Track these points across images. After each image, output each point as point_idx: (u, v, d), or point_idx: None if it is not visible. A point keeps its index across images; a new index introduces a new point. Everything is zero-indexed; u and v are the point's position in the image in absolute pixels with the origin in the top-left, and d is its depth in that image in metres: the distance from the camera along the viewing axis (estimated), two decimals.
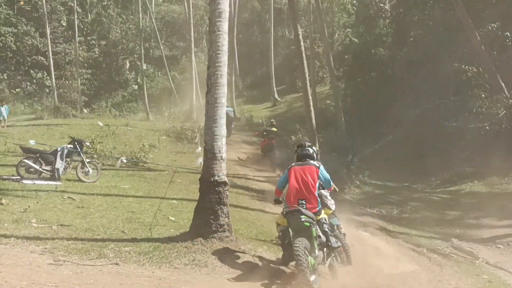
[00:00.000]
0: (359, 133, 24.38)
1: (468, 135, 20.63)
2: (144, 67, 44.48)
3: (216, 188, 7.51)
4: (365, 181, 19.11)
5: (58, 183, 12.00)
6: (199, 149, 15.23)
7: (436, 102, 23.08)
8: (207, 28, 38.60)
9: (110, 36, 53.40)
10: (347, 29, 38.16)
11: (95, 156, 15.58)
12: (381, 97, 26.02)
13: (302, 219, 6.38)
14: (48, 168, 12.40)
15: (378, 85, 27.48)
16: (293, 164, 7.23)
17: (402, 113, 23.38)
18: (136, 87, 50.51)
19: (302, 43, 18.49)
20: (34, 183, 11.68)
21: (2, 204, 9.20)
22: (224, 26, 7.50)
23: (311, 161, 7.18)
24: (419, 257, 10.53)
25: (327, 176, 7.12)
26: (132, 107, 46.99)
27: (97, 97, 49.64)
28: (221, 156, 7.62)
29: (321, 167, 7.10)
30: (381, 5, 34.19)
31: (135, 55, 51.42)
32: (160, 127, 25.56)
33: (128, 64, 52.74)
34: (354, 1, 37.47)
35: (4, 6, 50.52)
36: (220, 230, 7.43)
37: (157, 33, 47.31)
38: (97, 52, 52.81)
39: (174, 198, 12.08)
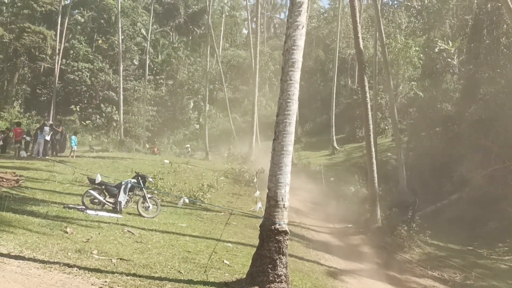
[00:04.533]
0: (421, 189, 23.44)
1: None
2: (207, 107, 45.79)
3: (277, 237, 7.39)
4: (426, 241, 18.19)
5: (119, 216, 12.30)
6: (257, 193, 15.18)
7: (506, 164, 21.94)
8: (271, 74, 39.43)
9: (178, 77, 55.75)
10: (412, 82, 37.67)
11: (155, 192, 15.93)
12: (446, 154, 25.09)
13: None
14: (111, 200, 12.79)
15: (443, 141, 26.57)
16: None
17: (469, 173, 22.36)
18: (197, 126, 51.96)
19: (367, 95, 18.39)
20: (97, 214, 12.02)
21: (67, 232, 9.50)
22: (297, 75, 7.59)
23: None
24: None
25: None
26: (192, 146, 48.11)
27: (160, 133, 51.39)
28: (284, 204, 7.53)
29: None
30: (449, 60, 33.63)
31: (199, 96, 53.19)
32: (219, 168, 25.89)
33: (192, 104, 54.55)
34: (421, 55, 37.11)
35: (84, 44, 54.36)
36: (277, 280, 7.24)
37: (222, 76, 48.84)
38: (164, 90, 55.19)
39: (229, 241, 12.02)
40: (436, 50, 33.35)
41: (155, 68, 56.71)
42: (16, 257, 7.16)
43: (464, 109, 27.17)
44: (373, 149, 19.18)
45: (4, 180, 14.91)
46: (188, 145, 44.42)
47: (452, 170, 23.51)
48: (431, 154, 26.56)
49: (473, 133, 24.15)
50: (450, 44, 32.83)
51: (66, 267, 7.12)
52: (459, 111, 27.67)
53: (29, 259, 7.18)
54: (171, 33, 63.45)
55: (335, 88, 40.95)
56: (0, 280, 5.83)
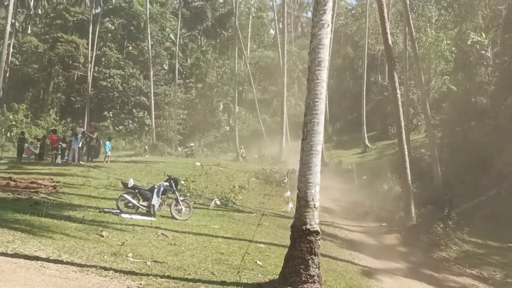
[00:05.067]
0: (457, 185, 22.90)
1: None
2: (237, 109, 46.02)
3: (308, 237, 7.36)
4: (464, 238, 17.72)
5: (153, 219, 12.51)
6: (288, 193, 15.22)
7: None
8: (299, 73, 39.30)
9: (207, 79, 56.26)
10: (445, 76, 36.80)
11: (187, 194, 16.11)
12: (482, 149, 24.38)
13: None
14: (145, 204, 13.02)
15: (479, 136, 25.82)
16: None
17: (507, 167, 21.66)
18: (228, 128, 52.27)
19: (398, 91, 18.10)
20: (132, 218, 12.25)
21: (103, 236, 9.72)
22: (323, 74, 7.55)
23: None
24: None
25: None
26: (223, 147, 48.46)
27: (191, 136, 51.98)
28: (314, 205, 7.49)
29: None
30: (483, 52, 32.67)
31: (229, 98, 53.49)
32: (250, 169, 25.98)
33: (221, 106, 54.94)
34: (453, 48, 36.22)
35: (115, 51, 55.56)
36: (310, 281, 7.21)
37: (251, 77, 49.01)
38: (194, 94, 55.81)
39: (261, 241, 12.04)
40: (469, 42, 32.42)
41: (184, 72, 57.41)
42: (55, 261, 7.37)
43: (500, 101, 26.35)
44: (406, 146, 18.84)
45: (42, 186, 15.41)
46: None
47: (489, 165, 22.83)
48: (466, 149, 25.89)
49: (510, 126, 23.38)
50: (483, 36, 31.87)
51: (103, 270, 7.28)
52: (494, 104, 26.86)
53: (67, 263, 7.37)
54: (199, 37, 64.11)
55: (365, 85, 40.49)
56: (40, 283, 6.02)
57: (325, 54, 7.56)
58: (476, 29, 34.10)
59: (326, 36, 7.50)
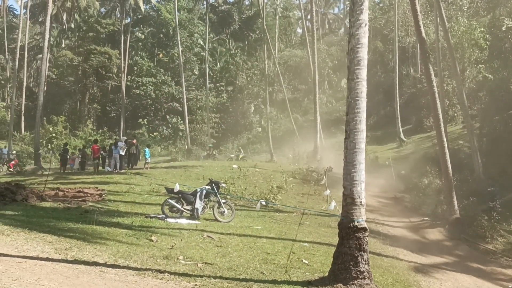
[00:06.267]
0: (499, 176, 22.40)
1: None
2: (268, 110, 46.22)
3: (356, 234, 7.45)
4: (510, 229, 17.34)
5: (197, 222, 12.80)
6: (328, 191, 15.24)
7: None
8: (329, 70, 39.10)
9: (237, 82, 56.70)
10: (480, 65, 35.94)
11: (228, 196, 16.37)
12: None
13: None
14: (188, 207, 13.33)
15: None
16: None
17: None
18: (260, 129, 52.54)
19: (434, 84, 17.88)
20: (177, 222, 12.57)
21: (152, 240, 10.06)
22: (363, 73, 7.63)
23: None
24: None
25: None
26: (256, 149, 48.71)
27: (224, 139, 52.49)
28: (361, 202, 7.59)
29: None
30: None
31: (260, 99, 53.77)
32: (286, 169, 26.09)
33: (253, 108, 55.26)
34: (487, 36, 35.34)
35: (146, 59, 56.72)
36: (360, 277, 7.30)
37: (280, 77, 49.09)
38: (225, 97, 56.34)
39: (305, 240, 12.15)
40: (503, 28, 31.62)
41: (214, 76, 58.05)
42: (112, 266, 7.72)
43: None
44: (444, 138, 18.59)
45: (89, 195, 15.96)
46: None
47: None
48: (506, 139, 25.27)
49: None
50: None
51: (158, 272, 7.58)
52: None
53: (123, 267, 7.72)
54: (227, 40, 64.70)
55: (397, 78, 39.99)
56: (103, 287, 6.34)
57: (364, 53, 7.64)
58: (510, 14, 33.20)
59: (364, 35, 7.58)
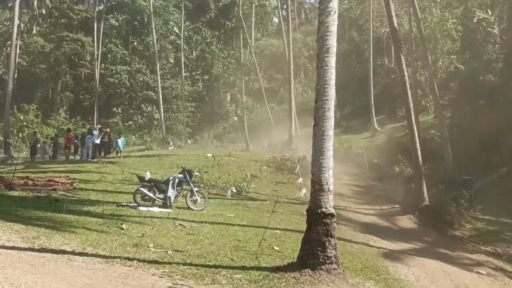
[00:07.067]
0: (468, 164, 22.96)
1: None
2: (244, 99, 46.16)
3: (324, 220, 7.54)
4: (477, 216, 17.83)
5: (169, 210, 12.77)
6: (301, 179, 15.32)
7: None
8: (305, 60, 39.20)
9: (213, 71, 56.34)
10: (452, 56, 36.61)
11: (201, 185, 16.36)
12: (492, 127, 24.36)
13: None
14: (161, 196, 13.28)
15: (488, 114, 25.79)
16: None
17: None
18: (236, 118, 52.46)
19: (405, 73, 18.13)
20: (149, 210, 12.53)
21: (123, 229, 10.00)
22: (332, 61, 7.68)
23: None
24: None
25: None
26: (232, 138, 48.66)
27: (200, 128, 52.23)
28: (329, 188, 7.67)
29: None
30: (489, 29, 32.40)
31: (236, 88, 53.61)
32: (261, 158, 26.16)
33: (229, 97, 55.09)
34: (459, 27, 35.95)
35: (120, 47, 55.78)
36: (327, 262, 7.41)
37: (257, 66, 49.00)
38: (200, 86, 55.96)
39: (277, 228, 12.25)
40: (475, 20, 32.18)
41: (190, 65, 57.52)
42: (80, 254, 7.65)
43: (509, 78, 26.25)
44: (415, 127, 18.93)
45: (59, 184, 15.73)
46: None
47: (500, 143, 22.88)
48: (476, 128, 25.87)
49: None
50: (490, 13, 31.59)
51: (127, 260, 7.55)
52: (503, 82, 26.75)
53: (92, 255, 7.66)
54: (203, 29, 64.12)
55: (371, 68, 40.40)
56: (69, 275, 6.28)
57: (333, 41, 7.68)
58: (482, 6, 33.82)
59: (333, 23, 7.61)
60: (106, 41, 57.07)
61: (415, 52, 33.25)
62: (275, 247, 9.95)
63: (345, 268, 8.62)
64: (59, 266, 6.76)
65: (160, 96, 46.67)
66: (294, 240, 10.62)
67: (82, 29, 56.87)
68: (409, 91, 18.63)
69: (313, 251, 7.49)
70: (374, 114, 38.72)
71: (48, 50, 52.90)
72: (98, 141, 24.56)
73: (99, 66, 52.61)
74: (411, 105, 18.91)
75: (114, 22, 60.57)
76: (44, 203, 11.99)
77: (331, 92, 7.68)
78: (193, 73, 57.19)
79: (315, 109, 7.81)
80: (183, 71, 50.90)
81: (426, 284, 9.45)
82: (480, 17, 31.94)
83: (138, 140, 47.69)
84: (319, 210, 7.57)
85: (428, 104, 37.74)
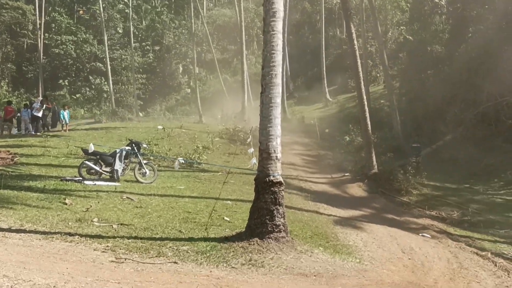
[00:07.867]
0: (415, 133, 23.63)
1: None
2: (197, 70, 45.36)
3: (272, 188, 7.48)
4: (423, 182, 18.42)
5: (117, 184, 12.38)
6: (252, 149, 15.24)
7: (498, 100, 22.00)
8: (258, 31, 38.69)
9: (164, 42, 54.88)
10: (401, 27, 37.24)
11: (151, 157, 15.97)
12: (438, 96, 25.07)
13: None
14: (107, 169, 12.83)
15: (435, 84, 26.49)
16: None
17: (462, 112, 22.43)
18: (189, 90, 51.65)
19: (355, 43, 18.19)
20: (95, 184, 12.09)
21: (66, 204, 9.59)
22: (279, 25, 7.46)
23: None
24: (484, 261, 9.99)
25: None
26: (185, 110, 47.98)
27: (152, 101, 51.11)
28: (276, 156, 7.58)
29: None
30: (437, 0, 33.02)
31: (188, 59, 52.55)
32: (213, 129, 25.90)
33: (181, 68, 53.98)
34: None
35: (65, 16, 53.16)
36: (276, 230, 7.38)
37: (209, 37, 48.10)
38: (151, 57, 54.47)
39: (228, 198, 12.17)
40: None
41: (140, 35, 55.73)
42: (17, 231, 7.26)
43: (454, 49, 26.95)
44: (365, 97, 19.18)
45: None
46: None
47: (445, 112, 23.59)
48: (423, 98, 26.58)
49: (464, 73, 24.07)
50: None
51: (68, 236, 7.24)
52: (449, 52, 27.46)
53: (30, 232, 7.29)
54: None
55: (324, 39, 40.42)
56: (2, 253, 5.91)
57: (279, 5, 7.46)
58: None
59: None
60: (50, 9, 54.15)
61: (366, 23, 33.47)
62: (225, 218, 9.87)
63: (295, 236, 8.65)
64: None
65: (109, 67, 45.13)
66: (245, 210, 10.53)
67: None
68: (359, 62, 18.76)
69: (261, 220, 7.43)
70: (326, 85, 39.02)
71: None
72: (39, 114, 23.40)
73: (42, 36, 50.00)
74: (361, 74, 19.08)
75: None
76: None
77: (278, 58, 7.49)
78: (143, 43, 55.49)
79: (262, 75, 7.64)
80: (132, 42, 49.29)
81: (374, 248, 9.63)
82: None
83: (87, 114, 46.13)
84: (267, 179, 7.49)
85: (378, 75, 38.39)
